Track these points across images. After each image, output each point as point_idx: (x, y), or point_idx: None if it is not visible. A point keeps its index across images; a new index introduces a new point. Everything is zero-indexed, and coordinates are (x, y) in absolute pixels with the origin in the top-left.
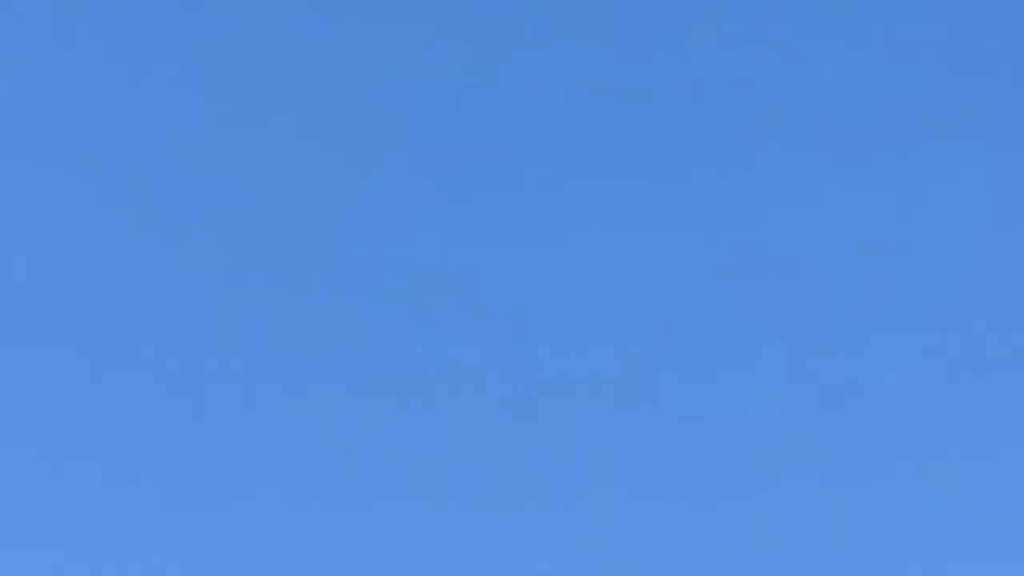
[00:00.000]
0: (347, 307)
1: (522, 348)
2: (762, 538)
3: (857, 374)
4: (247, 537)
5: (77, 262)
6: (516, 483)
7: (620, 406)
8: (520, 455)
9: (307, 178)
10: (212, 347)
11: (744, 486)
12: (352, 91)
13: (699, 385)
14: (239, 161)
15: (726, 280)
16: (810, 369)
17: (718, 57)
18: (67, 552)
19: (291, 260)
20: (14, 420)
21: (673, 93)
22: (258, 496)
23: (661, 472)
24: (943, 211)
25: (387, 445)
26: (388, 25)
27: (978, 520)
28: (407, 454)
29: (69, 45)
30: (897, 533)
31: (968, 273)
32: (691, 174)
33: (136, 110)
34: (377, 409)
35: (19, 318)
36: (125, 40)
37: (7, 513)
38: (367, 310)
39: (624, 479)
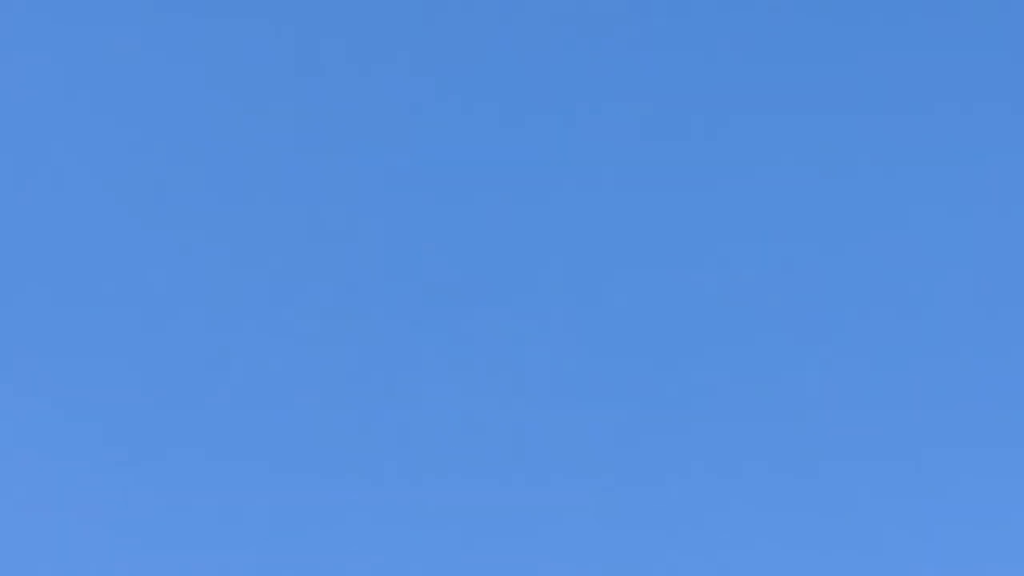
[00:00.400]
0: (344, 301)
1: (517, 342)
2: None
3: (852, 363)
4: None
5: (77, 259)
6: (509, 466)
7: (610, 398)
8: (514, 436)
9: (302, 172)
10: (211, 343)
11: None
12: (350, 89)
13: (694, 377)
14: (239, 160)
15: (720, 275)
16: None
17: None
18: (66, 547)
19: (289, 253)
20: (14, 416)
21: (667, 86)
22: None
23: (653, 460)
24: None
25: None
26: (386, 23)
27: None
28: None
29: (69, 43)
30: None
31: (960, 263)
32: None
33: (138, 109)
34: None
35: (18, 315)
36: (126, 39)
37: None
38: (363, 305)
39: (612, 464)
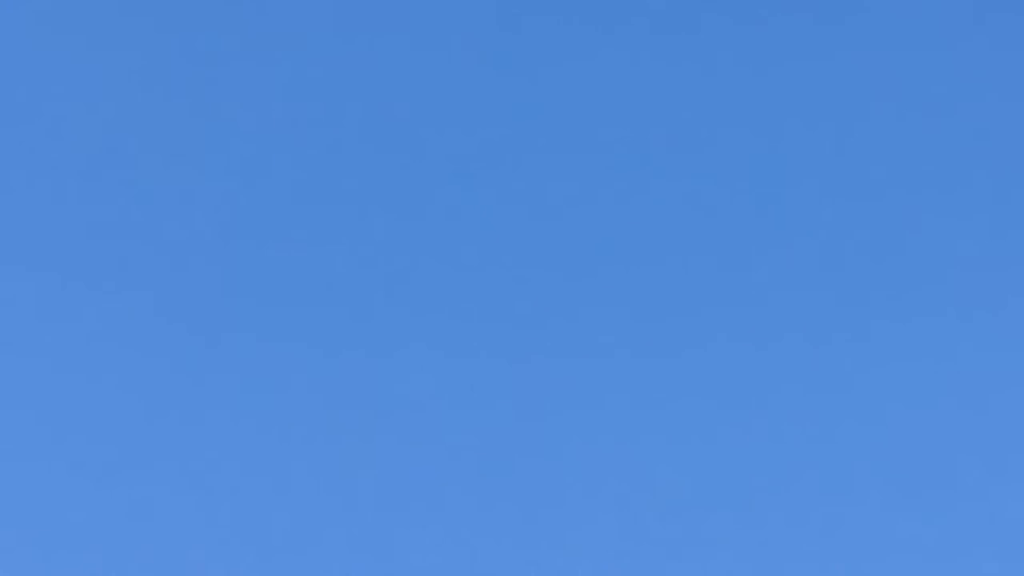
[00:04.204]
0: (337, 295)
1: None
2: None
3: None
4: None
5: (77, 261)
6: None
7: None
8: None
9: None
10: (207, 340)
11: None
12: (346, 89)
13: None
14: (237, 158)
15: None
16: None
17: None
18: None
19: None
20: (14, 414)
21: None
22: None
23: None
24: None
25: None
26: (381, 24)
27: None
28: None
29: (66, 45)
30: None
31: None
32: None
33: (137, 109)
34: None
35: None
36: (123, 38)
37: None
38: (358, 298)
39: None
